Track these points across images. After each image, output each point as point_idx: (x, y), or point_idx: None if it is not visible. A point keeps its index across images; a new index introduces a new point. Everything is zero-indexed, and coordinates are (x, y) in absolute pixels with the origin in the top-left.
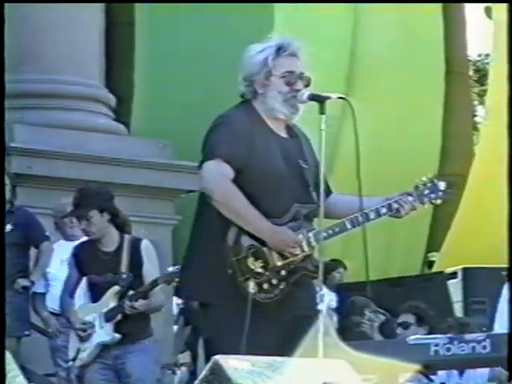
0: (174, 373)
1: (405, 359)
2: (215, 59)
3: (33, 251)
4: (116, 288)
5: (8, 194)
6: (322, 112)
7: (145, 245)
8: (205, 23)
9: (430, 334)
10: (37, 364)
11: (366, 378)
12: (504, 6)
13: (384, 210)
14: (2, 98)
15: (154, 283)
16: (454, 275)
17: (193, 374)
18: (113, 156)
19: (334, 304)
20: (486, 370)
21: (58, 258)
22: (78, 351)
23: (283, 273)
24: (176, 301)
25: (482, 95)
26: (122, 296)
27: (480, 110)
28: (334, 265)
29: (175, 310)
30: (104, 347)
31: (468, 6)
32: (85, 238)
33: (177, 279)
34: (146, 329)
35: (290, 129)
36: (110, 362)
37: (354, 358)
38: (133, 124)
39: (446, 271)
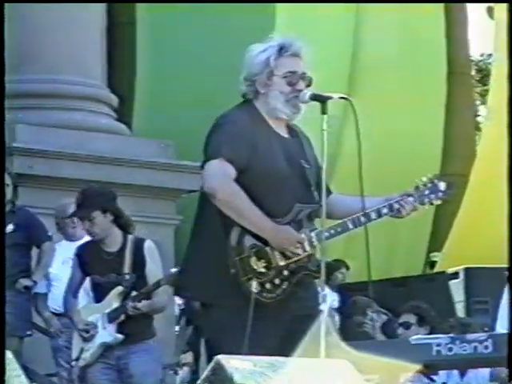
0: (176, 373)
1: (407, 359)
2: (217, 59)
3: (35, 251)
4: (119, 288)
5: (10, 194)
6: (323, 112)
7: (148, 245)
8: (206, 23)
9: (430, 334)
10: (38, 364)
11: (368, 377)
12: (504, 6)
13: (385, 210)
14: (2, 98)
15: (157, 284)
16: (455, 275)
17: (195, 374)
18: (115, 156)
19: (336, 304)
20: (487, 371)
21: (60, 258)
22: (82, 351)
23: (286, 273)
24: (177, 301)
25: (484, 95)
26: (125, 297)
27: (482, 110)
28: (336, 265)
29: (177, 311)
30: (107, 347)
31: (470, 6)
32: (87, 239)
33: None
34: (149, 329)
35: (290, 129)
36: (113, 362)
37: (355, 357)
38: (135, 124)
39: (448, 271)
